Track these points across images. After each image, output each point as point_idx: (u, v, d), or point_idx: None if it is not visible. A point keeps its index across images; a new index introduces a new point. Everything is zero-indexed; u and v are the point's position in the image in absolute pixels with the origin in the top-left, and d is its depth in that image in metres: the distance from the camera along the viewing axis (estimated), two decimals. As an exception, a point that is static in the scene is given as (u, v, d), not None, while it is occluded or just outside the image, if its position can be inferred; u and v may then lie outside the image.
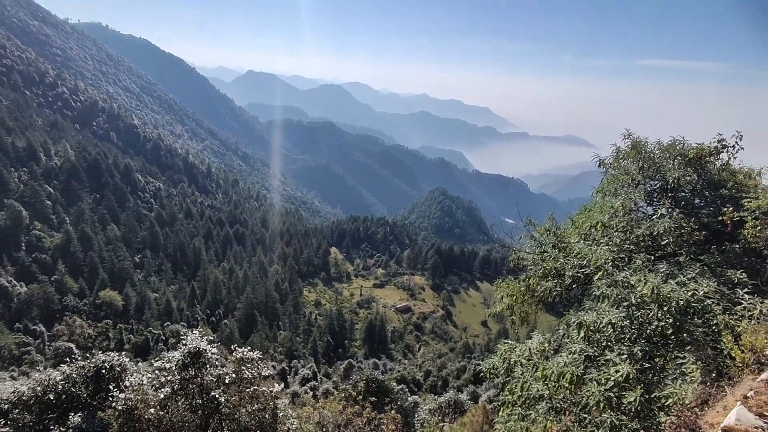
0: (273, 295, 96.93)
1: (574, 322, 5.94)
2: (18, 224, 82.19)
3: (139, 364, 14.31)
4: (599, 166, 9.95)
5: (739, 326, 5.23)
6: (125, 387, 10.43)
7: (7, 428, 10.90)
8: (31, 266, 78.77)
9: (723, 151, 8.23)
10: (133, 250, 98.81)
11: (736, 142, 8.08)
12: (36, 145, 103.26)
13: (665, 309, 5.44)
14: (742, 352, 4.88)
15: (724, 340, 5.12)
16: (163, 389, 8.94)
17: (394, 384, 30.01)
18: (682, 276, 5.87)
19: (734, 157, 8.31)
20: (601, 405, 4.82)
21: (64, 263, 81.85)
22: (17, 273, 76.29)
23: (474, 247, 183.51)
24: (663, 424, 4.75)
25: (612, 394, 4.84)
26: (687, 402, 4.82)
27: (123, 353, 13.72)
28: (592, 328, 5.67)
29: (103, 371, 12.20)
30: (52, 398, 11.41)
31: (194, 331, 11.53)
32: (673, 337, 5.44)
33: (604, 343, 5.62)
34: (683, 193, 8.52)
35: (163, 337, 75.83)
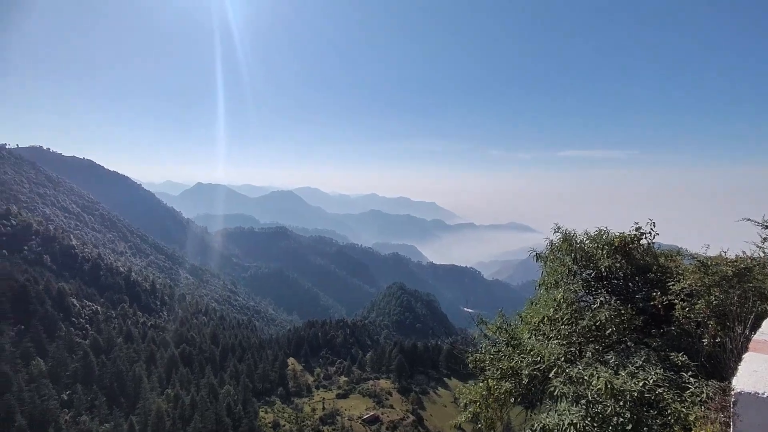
0: (225, 421, 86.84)
1: (537, 427, 5.87)
2: None
3: None
4: (536, 260, 10.32)
5: (691, 414, 5.31)
6: None
7: None
8: (-72, 421, 66.81)
9: (642, 238, 8.89)
10: (62, 386, 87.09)
11: (651, 229, 8.84)
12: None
13: (621, 403, 5.50)
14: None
15: None
16: None
17: None
18: (631, 365, 6.06)
19: (652, 242, 9.04)
20: None
21: (-27, 412, 70.17)
22: None
23: (438, 342, 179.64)
24: None
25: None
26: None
27: None
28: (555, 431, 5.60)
29: None
30: None
31: None
32: None
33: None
34: (616, 280, 9.00)
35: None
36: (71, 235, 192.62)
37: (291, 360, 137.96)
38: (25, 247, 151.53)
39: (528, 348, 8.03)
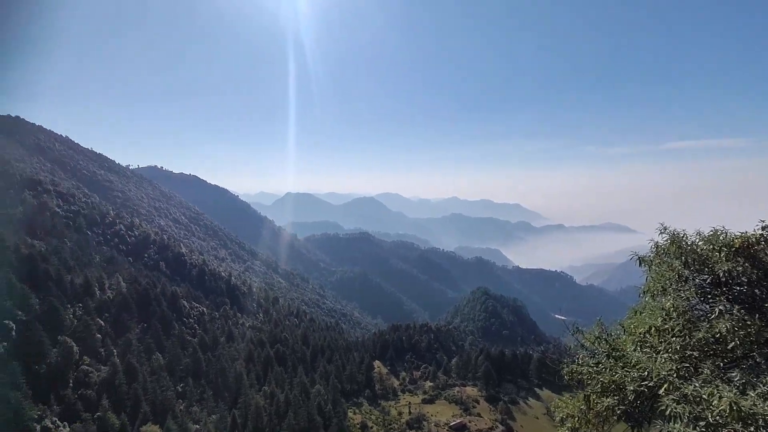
0: (316, 419, 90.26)
1: (648, 451, 4.98)
2: (68, 360, 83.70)
3: None
4: (639, 264, 9.42)
5: None
6: None
7: None
8: (76, 404, 78.02)
9: None
10: (176, 379, 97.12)
11: None
12: (92, 280, 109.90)
13: (751, 429, 4.70)
14: None
15: None
16: None
17: None
18: (762, 385, 5.23)
19: None
20: None
21: (108, 398, 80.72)
22: (62, 412, 75.48)
23: (527, 350, 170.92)
24: None
25: None
26: None
27: None
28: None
29: None
30: None
31: None
32: None
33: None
34: (738, 287, 7.78)
35: (202, 478, 70.07)
36: (181, 244, 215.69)
37: (377, 363, 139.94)
38: (145, 255, 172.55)
39: (633, 361, 7.41)
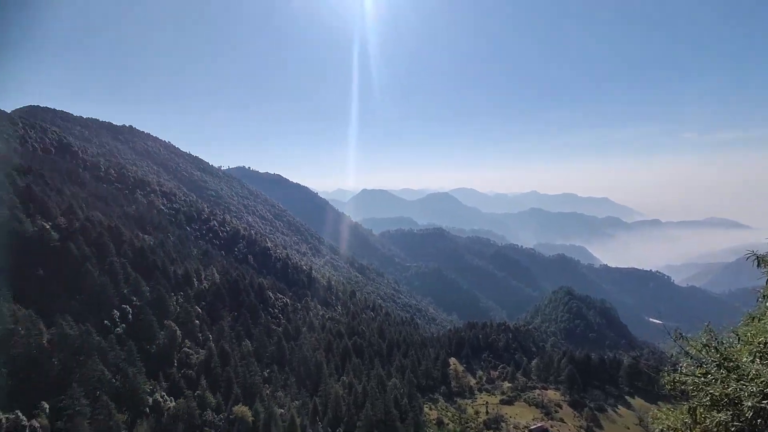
0: (393, 412, 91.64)
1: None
2: (173, 342, 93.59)
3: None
4: (758, 264, 8.35)
5: None
6: None
7: None
8: (179, 382, 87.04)
9: None
10: (263, 365, 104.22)
11: None
12: (191, 271, 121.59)
13: None
14: None
15: None
16: None
17: None
18: None
19: None
20: None
21: (206, 379, 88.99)
22: (169, 388, 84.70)
23: (616, 354, 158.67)
24: None
25: None
26: None
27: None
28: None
29: None
30: None
31: None
32: None
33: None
34: None
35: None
36: (267, 239, 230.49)
37: (452, 360, 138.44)
38: (236, 249, 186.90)
39: (750, 374, 6.69)
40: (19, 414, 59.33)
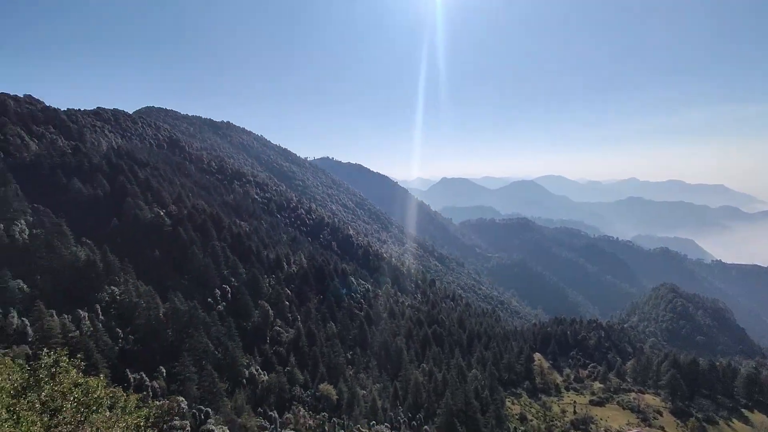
0: (473, 403, 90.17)
1: None
2: (266, 321, 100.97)
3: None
4: None
5: None
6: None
7: None
8: (271, 357, 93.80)
9: None
10: (346, 347, 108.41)
11: None
12: (281, 256, 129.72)
13: None
14: None
15: None
16: None
17: None
18: None
19: None
20: None
21: (295, 356, 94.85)
22: (263, 362, 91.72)
23: (731, 361, 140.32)
24: None
25: None
26: None
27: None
28: None
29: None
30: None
31: None
32: None
33: None
34: None
35: (369, 438, 76.99)
36: (349, 227, 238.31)
37: (537, 355, 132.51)
38: (321, 236, 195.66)
39: None
40: (143, 375, 68.16)
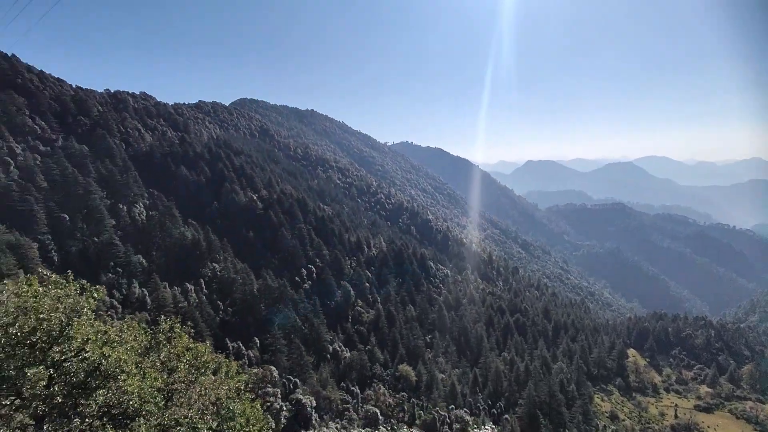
0: (558, 396, 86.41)
1: None
2: (348, 300, 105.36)
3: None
4: None
5: None
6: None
7: None
8: (353, 336, 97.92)
9: None
10: (425, 330, 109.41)
11: None
12: (362, 239, 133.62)
13: None
14: None
15: None
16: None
17: None
18: None
19: None
20: None
21: (375, 336, 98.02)
22: (345, 340, 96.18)
23: None
24: None
25: None
26: None
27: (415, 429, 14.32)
28: None
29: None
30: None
31: (486, 427, 11.04)
32: None
33: None
34: None
35: (448, 420, 77.51)
36: (428, 211, 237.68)
37: (631, 351, 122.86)
38: (400, 220, 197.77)
39: None
40: (240, 344, 75.08)
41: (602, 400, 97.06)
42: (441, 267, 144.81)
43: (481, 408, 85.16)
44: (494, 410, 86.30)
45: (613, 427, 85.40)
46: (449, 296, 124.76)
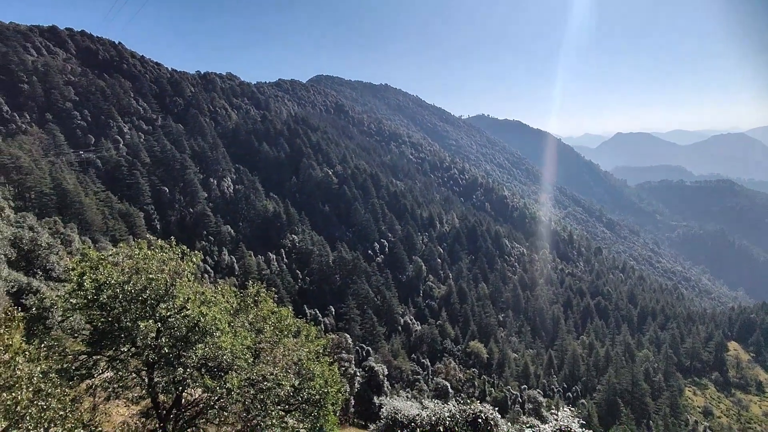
0: (642, 385, 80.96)
1: None
2: (419, 275, 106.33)
3: (507, 424, 14.52)
4: None
5: None
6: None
7: None
8: (424, 310, 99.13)
9: None
10: (498, 309, 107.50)
11: None
12: (434, 215, 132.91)
13: None
14: None
15: None
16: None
17: None
18: None
19: None
20: None
21: (446, 311, 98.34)
22: (416, 314, 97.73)
23: None
24: None
25: None
26: None
27: (489, 407, 14.49)
28: None
29: (479, 420, 13.87)
30: (441, 430, 13.16)
31: (565, 409, 11.97)
32: None
33: None
34: None
35: (520, 400, 76.30)
36: (504, 187, 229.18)
37: (732, 344, 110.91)
38: (474, 196, 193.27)
39: None
40: (317, 311, 79.44)
41: (694, 394, 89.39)
42: (516, 245, 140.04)
43: (555, 390, 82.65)
44: (570, 394, 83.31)
45: (706, 423, 78.52)
46: (524, 275, 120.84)
